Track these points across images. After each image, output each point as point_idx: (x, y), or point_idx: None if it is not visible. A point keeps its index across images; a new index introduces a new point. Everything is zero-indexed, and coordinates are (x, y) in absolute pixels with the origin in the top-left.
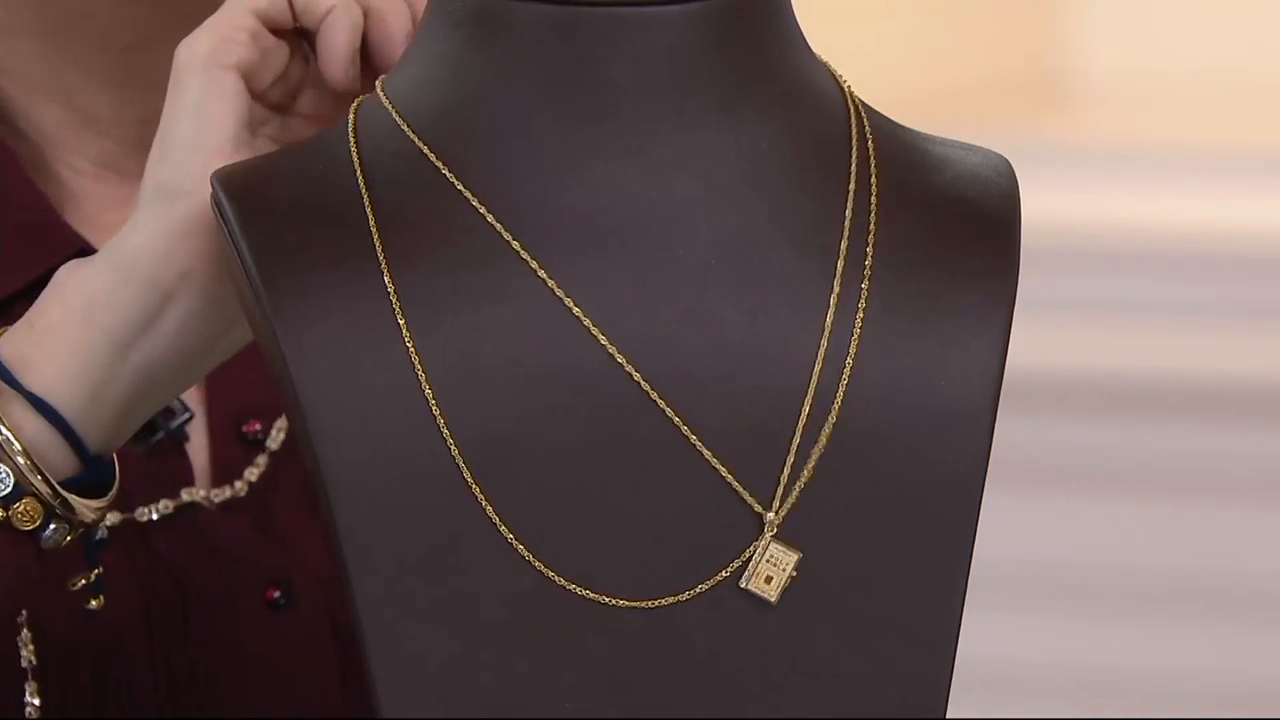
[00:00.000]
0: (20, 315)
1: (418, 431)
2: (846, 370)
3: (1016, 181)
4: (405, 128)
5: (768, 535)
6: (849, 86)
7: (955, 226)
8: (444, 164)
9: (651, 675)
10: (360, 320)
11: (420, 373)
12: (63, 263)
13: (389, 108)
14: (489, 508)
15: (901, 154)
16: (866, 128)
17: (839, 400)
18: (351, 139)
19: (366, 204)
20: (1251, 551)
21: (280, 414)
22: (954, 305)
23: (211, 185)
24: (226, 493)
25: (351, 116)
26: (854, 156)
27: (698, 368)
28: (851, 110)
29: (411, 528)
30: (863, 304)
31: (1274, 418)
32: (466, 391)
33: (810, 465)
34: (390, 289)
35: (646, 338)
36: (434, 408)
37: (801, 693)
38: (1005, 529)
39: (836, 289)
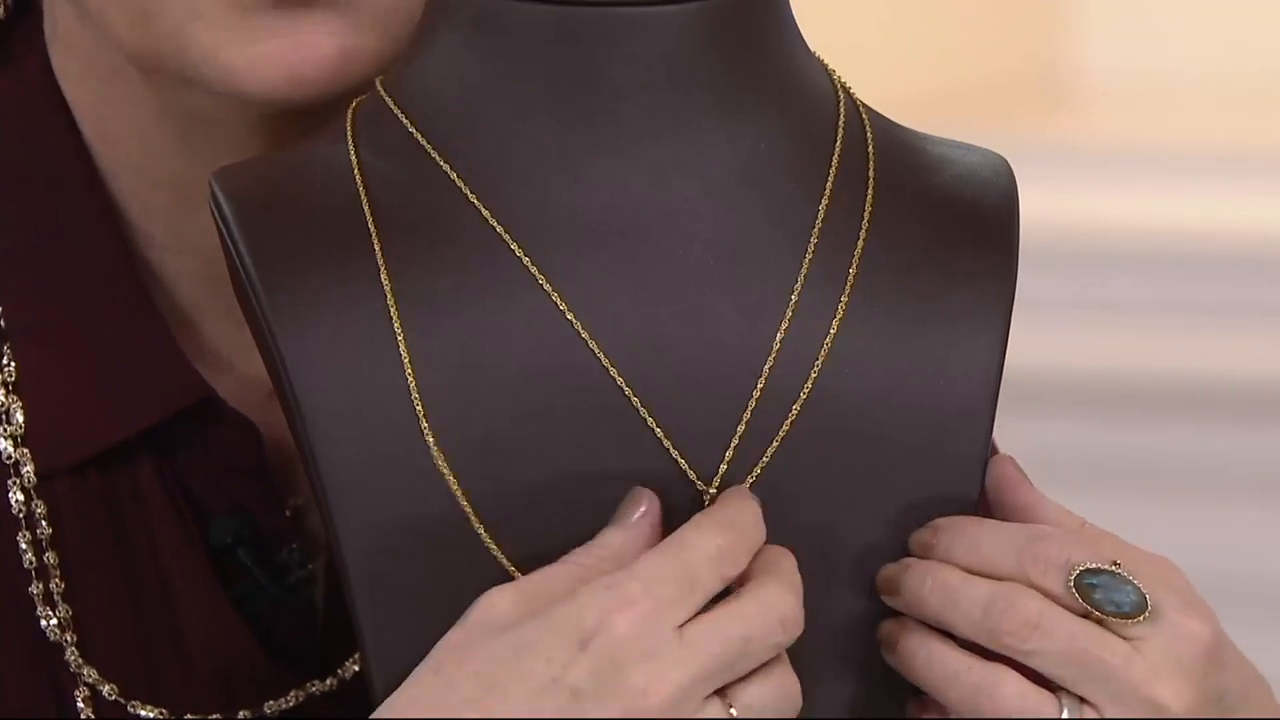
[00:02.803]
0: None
1: (413, 433)
2: (816, 365)
3: (1015, 181)
4: (409, 126)
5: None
6: (844, 83)
7: (954, 226)
8: (446, 163)
9: None
10: (359, 321)
11: (415, 374)
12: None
13: (392, 106)
14: (471, 513)
15: (900, 154)
16: (867, 128)
17: (805, 393)
18: (350, 140)
19: (365, 205)
20: (1252, 551)
21: None
22: (953, 305)
23: (210, 185)
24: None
25: (350, 116)
26: (835, 156)
27: (696, 367)
28: (843, 110)
29: (405, 529)
30: (861, 304)
31: (1274, 418)
32: (460, 393)
33: (766, 457)
34: (387, 290)
35: (644, 337)
36: (426, 410)
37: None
38: None
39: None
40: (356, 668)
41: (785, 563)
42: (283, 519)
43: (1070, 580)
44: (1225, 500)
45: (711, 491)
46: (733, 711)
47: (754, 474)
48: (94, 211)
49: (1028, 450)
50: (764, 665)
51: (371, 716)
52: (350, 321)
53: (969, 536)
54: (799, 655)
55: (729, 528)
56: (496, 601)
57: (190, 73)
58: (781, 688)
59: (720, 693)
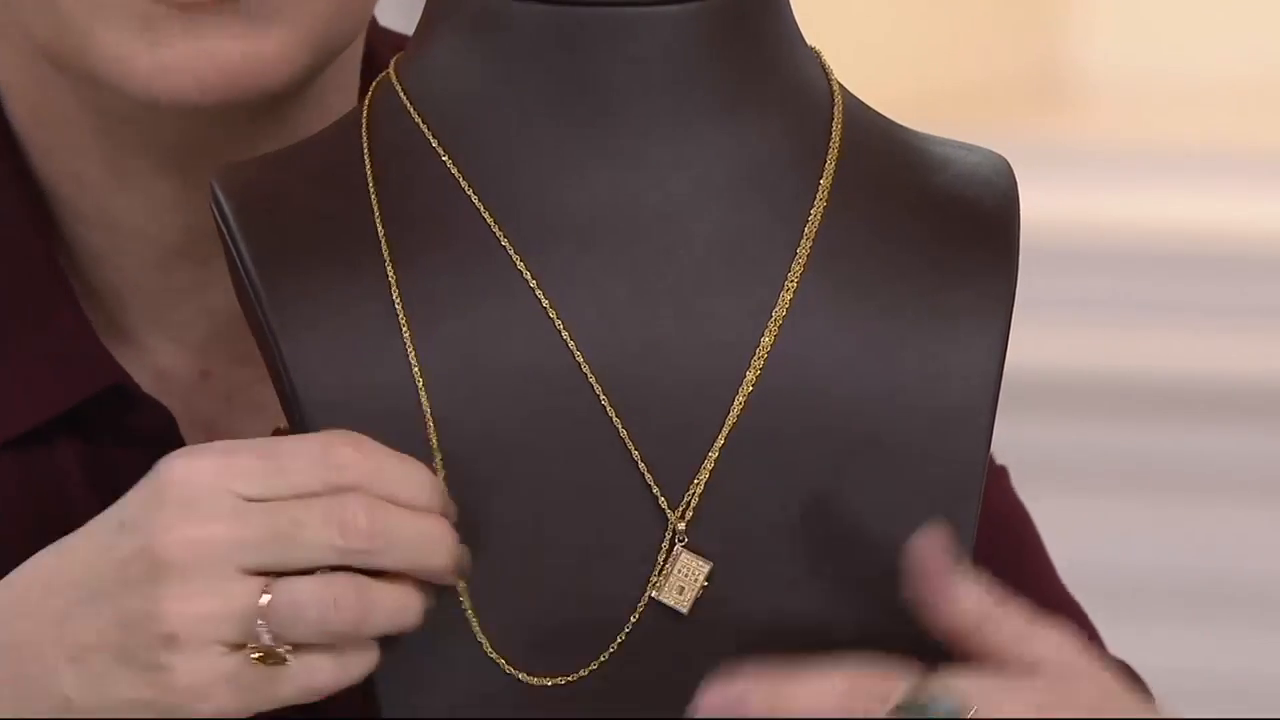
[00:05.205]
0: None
1: (408, 434)
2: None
3: (1015, 181)
4: (419, 121)
5: (678, 545)
6: (839, 82)
7: (954, 226)
8: (450, 160)
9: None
10: (358, 321)
11: (412, 375)
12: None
13: (404, 100)
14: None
15: (900, 153)
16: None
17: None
18: (365, 136)
19: (375, 203)
20: (1252, 551)
21: None
22: (952, 305)
23: (210, 184)
24: None
25: (366, 111)
26: (834, 156)
27: (692, 367)
28: (841, 109)
29: None
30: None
31: (1274, 418)
32: (454, 394)
33: (713, 458)
34: (388, 290)
35: (642, 339)
36: (423, 410)
37: None
38: None
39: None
40: None
41: (408, 494)
42: None
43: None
44: (1225, 500)
45: (679, 527)
46: (265, 599)
47: (707, 469)
48: (16, 194)
49: (1028, 450)
50: (328, 570)
51: None
52: (350, 321)
53: (783, 694)
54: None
55: (356, 444)
56: None
57: (100, 78)
58: (336, 594)
59: (264, 578)
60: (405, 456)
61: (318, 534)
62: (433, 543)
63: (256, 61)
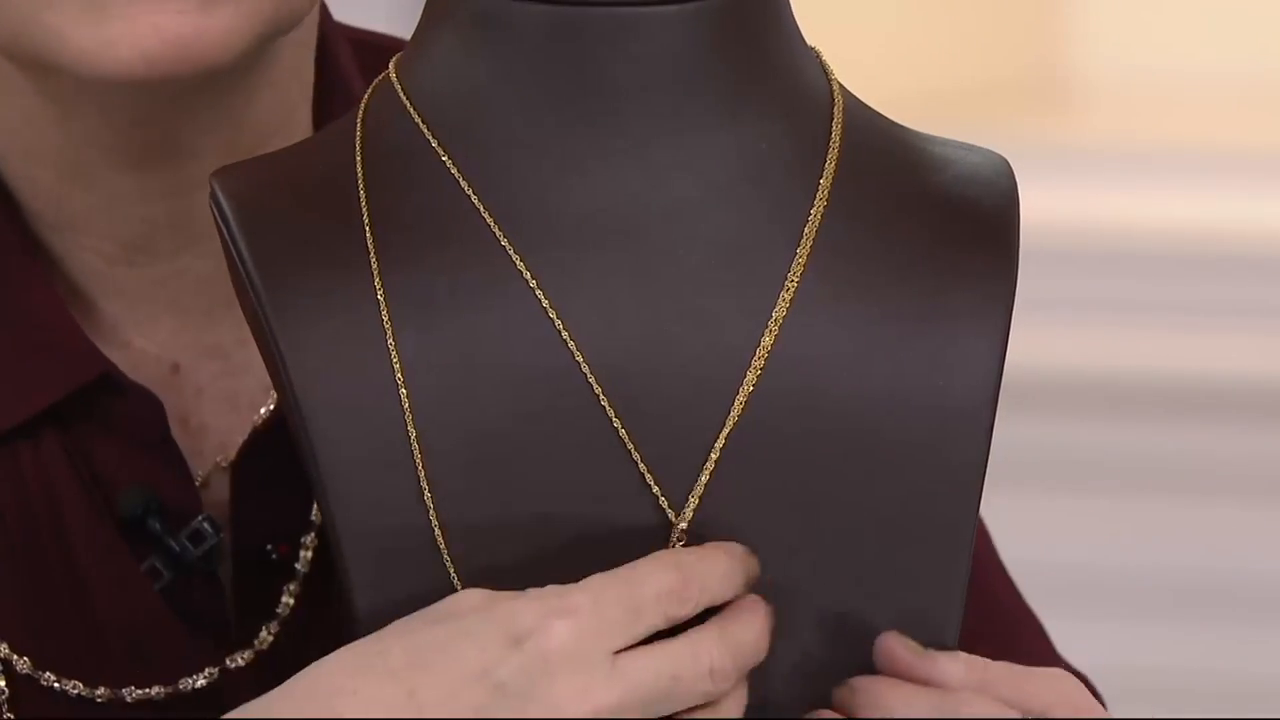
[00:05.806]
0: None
1: (407, 434)
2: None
3: (1016, 182)
4: (418, 120)
5: (680, 546)
6: (839, 82)
7: (955, 226)
8: (450, 160)
9: None
10: (359, 321)
11: (411, 376)
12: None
13: (405, 100)
14: (436, 525)
15: (900, 153)
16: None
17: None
18: (359, 138)
19: (364, 204)
20: (1251, 551)
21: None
22: (953, 305)
23: (211, 184)
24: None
25: (362, 112)
26: (834, 156)
27: (693, 368)
28: (841, 109)
29: (404, 530)
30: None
31: (1274, 418)
32: (452, 395)
33: (714, 459)
34: (386, 291)
35: (643, 339)
36: (417, 413)
37: (797, 706)
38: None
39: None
40: (272, 638)
41: (743, 617)
42: (191, 489)
43: None
44: (1225, 500)
45: (681, 527)
46: None
47: (708, 470)
48: None
49: (1028, 450)
50: (695, 709)
51: (303, 671)
52: (351, 321)
53: (881, 700)
54: (777, 660)
55: (684, 569)
56: (464, 598)
57: (46, 58)
58: None
59: None
60: (706, 551)
61: (691, 685)
62: (764, 640)
63: (202, 36)
